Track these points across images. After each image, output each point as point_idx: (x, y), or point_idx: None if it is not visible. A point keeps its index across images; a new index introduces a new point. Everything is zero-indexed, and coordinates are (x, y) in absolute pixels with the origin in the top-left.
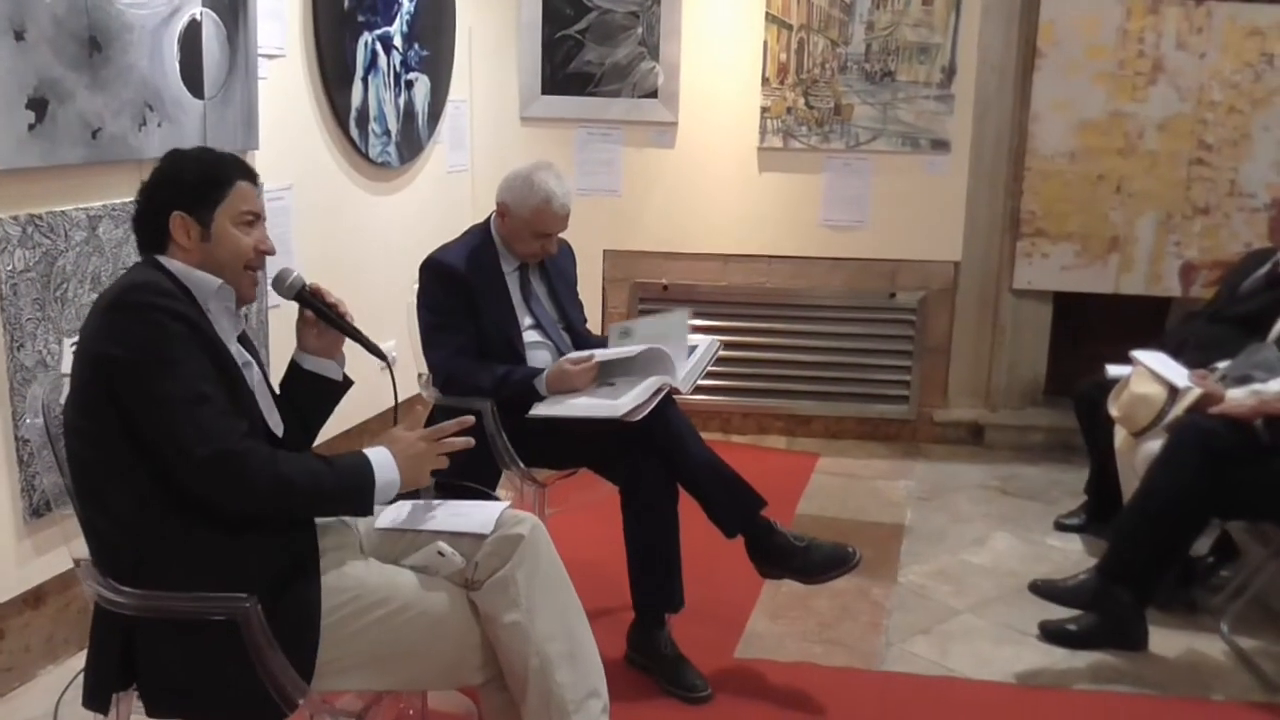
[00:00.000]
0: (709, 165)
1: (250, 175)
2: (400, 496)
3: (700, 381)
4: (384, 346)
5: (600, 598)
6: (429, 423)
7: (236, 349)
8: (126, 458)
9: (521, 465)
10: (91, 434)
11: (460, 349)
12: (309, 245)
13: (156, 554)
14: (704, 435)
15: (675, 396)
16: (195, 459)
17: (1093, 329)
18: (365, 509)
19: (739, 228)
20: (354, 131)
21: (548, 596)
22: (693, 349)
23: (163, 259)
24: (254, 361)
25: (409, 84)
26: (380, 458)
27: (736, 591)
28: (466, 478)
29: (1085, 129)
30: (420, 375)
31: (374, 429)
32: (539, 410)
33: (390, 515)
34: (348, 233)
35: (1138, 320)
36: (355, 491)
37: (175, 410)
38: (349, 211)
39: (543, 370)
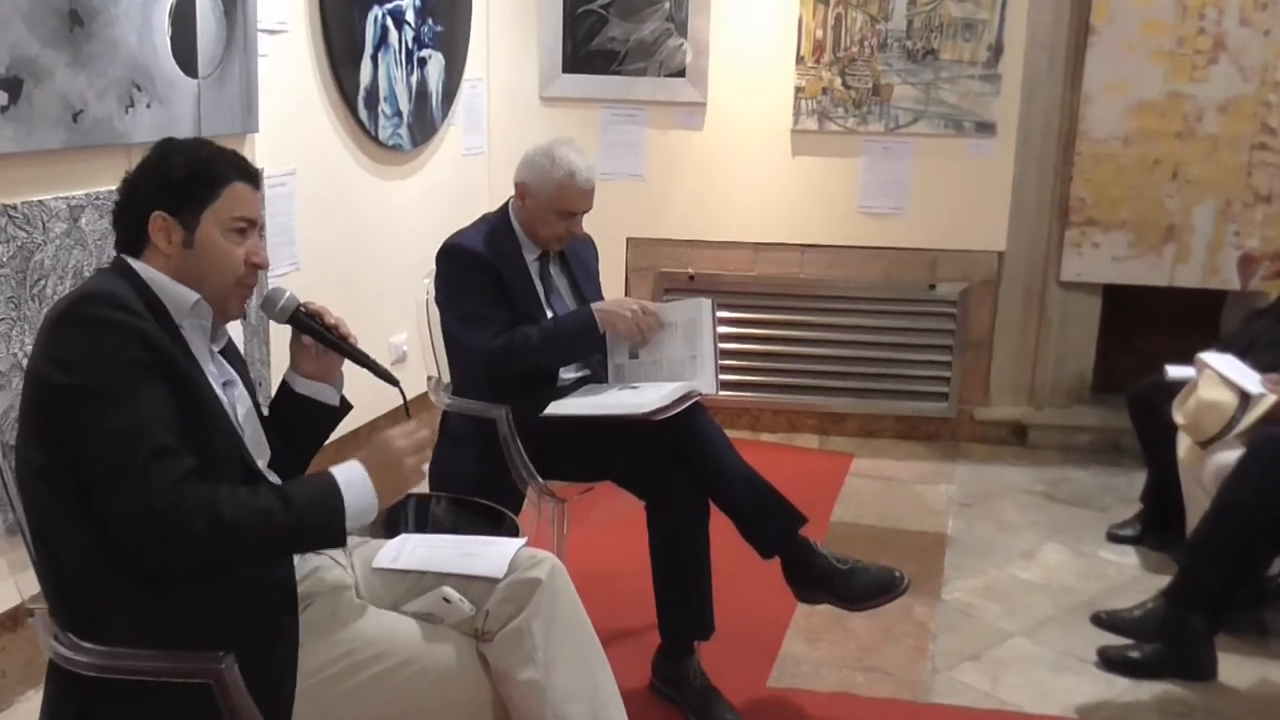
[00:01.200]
0: (739, 148)
1: (249, 177)
2: (402, 526)
3: (728, 377)
4: (394, 341)
5: (622, 617)
6: (442, 429)
7: (216, 368)
8: (73, 496)
9: (539, 479)
10: (40, 466)
11: (495, 328)
12: (314, 234)
13: (116, 606)
14: (731, 434)
15: (703, 400)
16: (122, 512)
17: (1140, 323)
18: (335, 541)
19: (770, 215)
20: (362, 112)
21: (568, 649)
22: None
23: (135, 263)
24: (238, 380)
25: (422, 62)
26: (350, 477)
27: (768, 611)
28: (486, 496)
29: (1140, 111)
30: (430, 378)
31: (364, 437)
32: (555, 409)
33: (390, 554)
34: (356, 220)
35: (1187, 314)
36: (320, 526)
37: (106, 451)
38: (357, 198)
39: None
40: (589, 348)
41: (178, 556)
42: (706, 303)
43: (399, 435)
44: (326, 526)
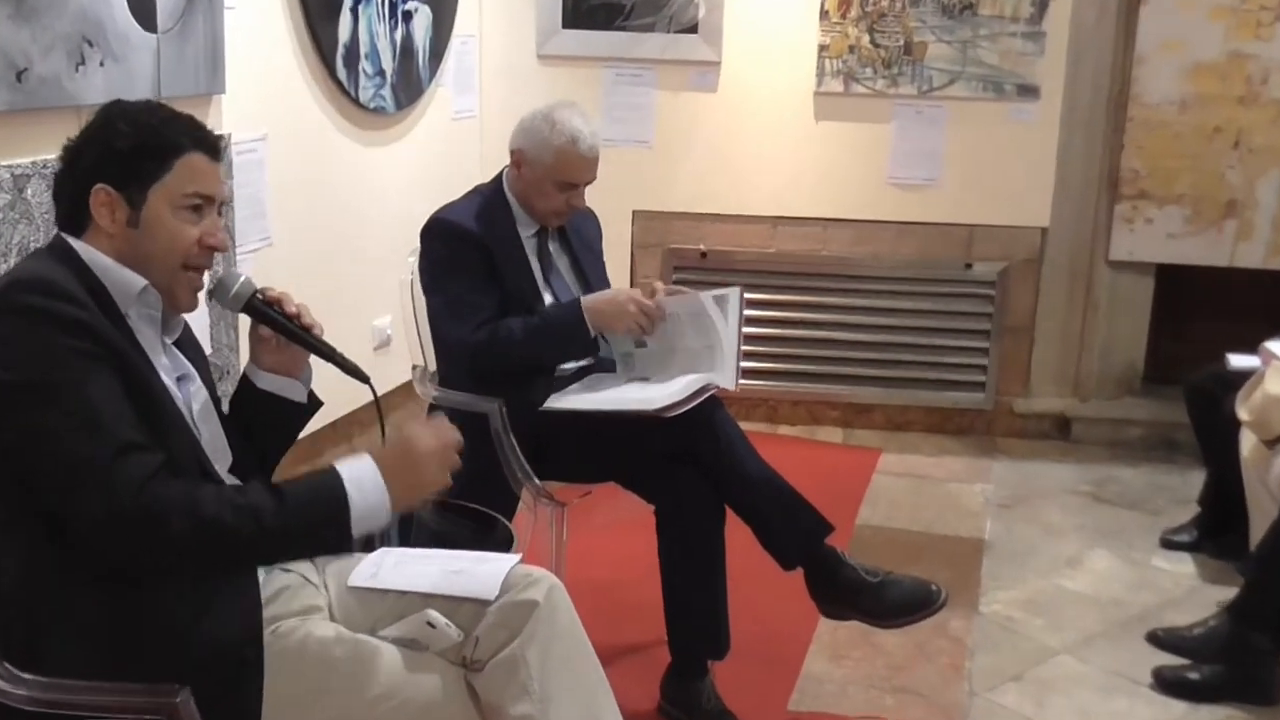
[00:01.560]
0: (757, 113)
1: (207, 146)
2: (380, 536)
3: (743, 364)
4: (378, 324)
5: (627, 633)
6: None
7: (169, 360)
8: (14, 504)
9: (535, 480)
10: None
11: (481, 318)
12: (287, 206)
13: (55, 630)
14: (746, 426)
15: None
16: (87, 514)
17: (1196, 307)
18: (338, 545)
19: (791, 186)
20: (341, 72)
21: (567, 679)
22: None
23: (76, 243)
24: (194, 375)
25: (407, 15)
26: (360, 474)
27: (788, 627)
28: (476, 499)
29: (1199, 73)
30: (415, 367)
31: (342, 429)
32: (556, 402)
33: (367, 571)
34: (334, 191)
35: (1249, 297)
36: (320, 527)
37: (61, 449)
38: (335, 166)
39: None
40: (579, 348)
41: (153, 560)
42: (734, 292)
43: (426, 434)
44: (327, 529)
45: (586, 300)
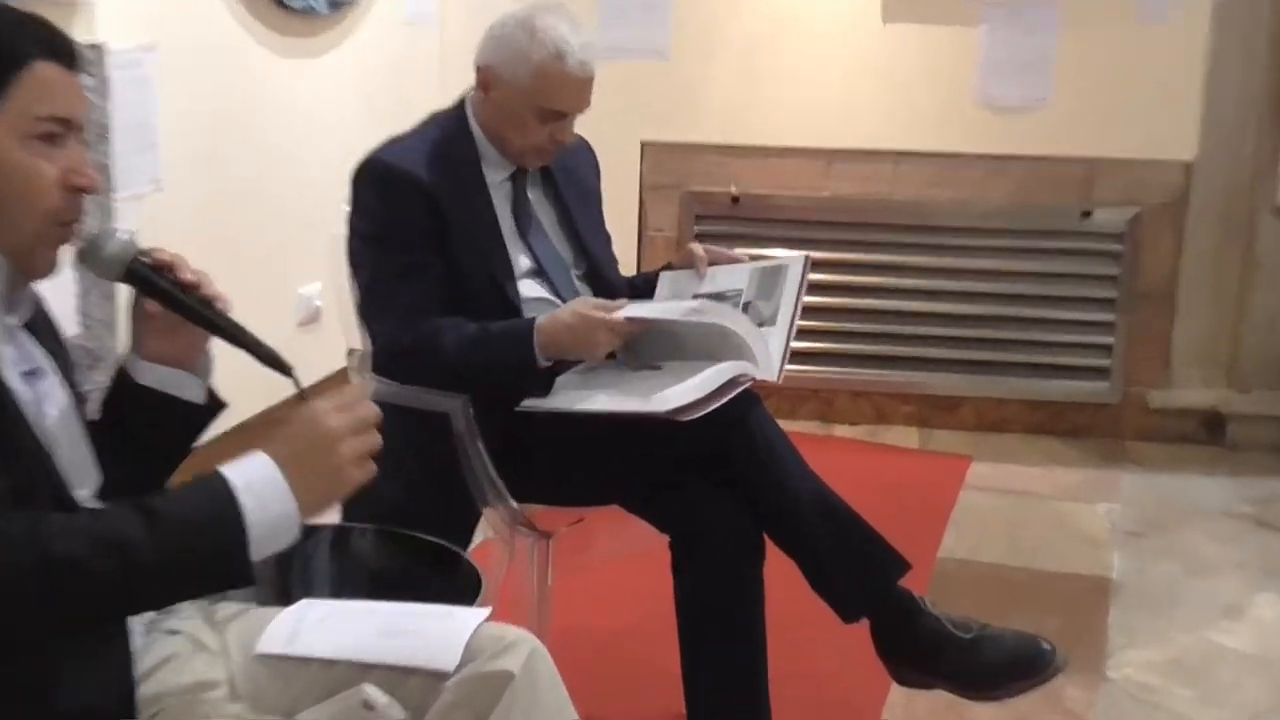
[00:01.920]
0: (804, 14)
1: (60, 53)
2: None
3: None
4: (305, 293)
5: (631, 700)
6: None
7: (15, 350)
8: None
9: (511, 501)
10: None
11: (415, 308)
12: (184, 139)
13: None
14: (793, 427)
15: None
16: None
17: None
18: (231, 578)
19: (850, 109)
20: None
21: None
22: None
23: None
24: (48, 369)
25: None
26: (252, 479)
27: (849, 694)
28: (427, 522)
29: None
30: (351, 351)
31: (255, 432)
32: (538, 400)
33: (284, 632)
34: (247, 119)
35: None
36: (207, 557)
37: None
38: (249, 86)
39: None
40: (527, 384)
41: None
42: (796, 261)
43: (329, 409)
44: (216, 558)
45: (541, 325)
